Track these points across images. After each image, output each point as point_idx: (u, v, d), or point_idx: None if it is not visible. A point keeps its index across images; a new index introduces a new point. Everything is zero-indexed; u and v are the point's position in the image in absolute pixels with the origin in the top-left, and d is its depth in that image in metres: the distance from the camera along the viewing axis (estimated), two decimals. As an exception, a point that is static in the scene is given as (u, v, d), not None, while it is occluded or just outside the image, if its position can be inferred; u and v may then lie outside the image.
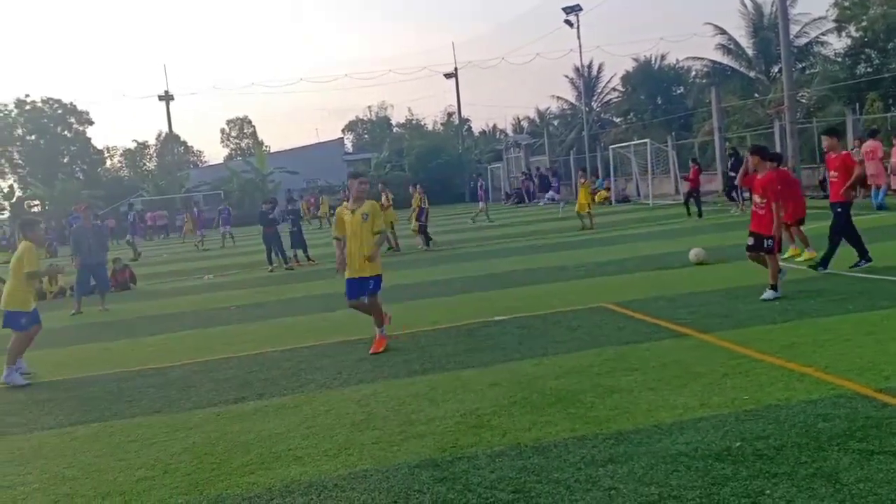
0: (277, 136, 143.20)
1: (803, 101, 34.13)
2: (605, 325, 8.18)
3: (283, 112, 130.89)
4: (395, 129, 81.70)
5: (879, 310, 7.60)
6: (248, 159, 61.90)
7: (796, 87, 30.77)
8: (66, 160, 66.30)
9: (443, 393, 6.11)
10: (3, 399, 7.60)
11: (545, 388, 5.97)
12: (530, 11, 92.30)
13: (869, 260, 9.95)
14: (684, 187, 25.30)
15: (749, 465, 4.11)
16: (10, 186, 61.63)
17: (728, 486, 3.88)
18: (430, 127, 77.04)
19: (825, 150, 10.91)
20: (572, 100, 55.70)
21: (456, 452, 4.75)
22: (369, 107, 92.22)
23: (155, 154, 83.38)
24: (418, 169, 54.46)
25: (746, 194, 22.74)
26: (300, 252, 19.43)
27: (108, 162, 76.01)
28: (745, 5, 39.86)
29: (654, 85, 48.27)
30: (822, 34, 37.54)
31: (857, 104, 29.61)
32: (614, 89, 54.20)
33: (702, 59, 43.31)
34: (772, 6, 37.52)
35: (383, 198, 21.00)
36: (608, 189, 36.06)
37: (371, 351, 7.87)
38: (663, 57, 50.44)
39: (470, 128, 73.49)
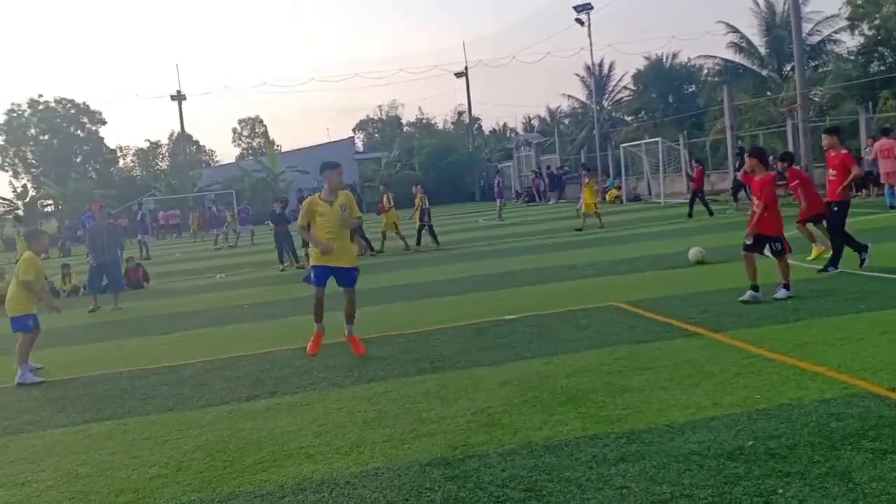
0: (289, 136, 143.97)
1: (816, 99, 33.91)
2: (616, 324, 8.16)
3: (294, 111, 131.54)
4: (405, 129, 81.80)
5: (892, 309, 7.54)
6: (259, 159, 62.18)
7: (809, 86, 30.57)
8: (79, 160, 66.85)
9: (453, 391, 6.12)
10: (17, 397, 7.67)
11: (556, 386, 5.96)
12: (541, 10, 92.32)
13: (836, 268, 9.88)
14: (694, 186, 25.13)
15: (761, 464, 4.10)
16: (24, 186, 62.18)
17: (740, 485, 3.86)
18: (440, 126, 77.13)
19: (825, 148, 10.86)
20: (583, 98, 55.61)
21: (467, 451, 4.75)
22: (380, 106, 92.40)
23: (167, 153, 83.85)
24: (428, 168, 54.52)
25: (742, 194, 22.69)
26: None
27: (121, 161, 76.64)
28: (757, 3, 39.69)
29: (665, 83, 48.10)
30: (835, 32, 37.34)
31: (871, 102, 29.37)
32: (625, 88, 54.13)
33: (714, 57, 43.20)
34: (784, 4, 37.32)
35: (384, 199, 21.00)
36: (619, 188, 35.96)
37: (358, 354, 7.72)
38: (675, 55, 50.32)
39: (480, 127, 73.56)
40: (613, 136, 46.62)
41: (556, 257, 15.36)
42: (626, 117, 53.92)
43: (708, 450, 4.37)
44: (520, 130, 72.43)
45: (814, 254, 11.22)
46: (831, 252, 10.19)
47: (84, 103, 66.70)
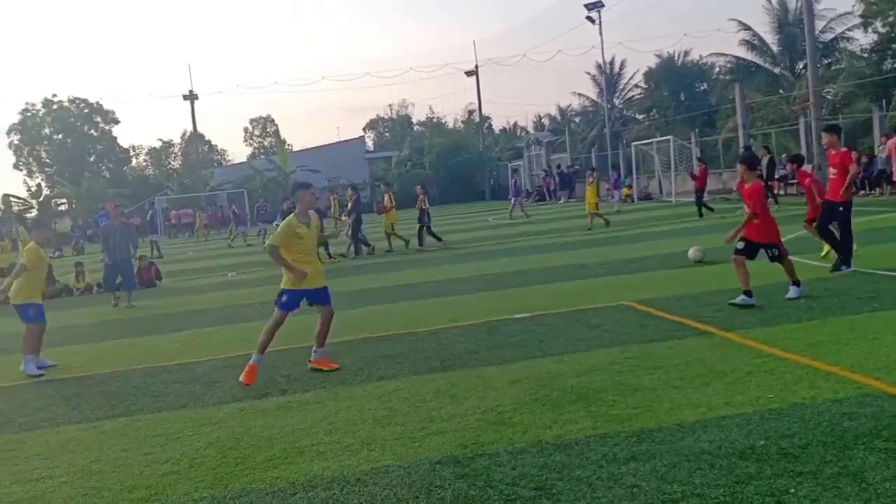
0: (299, 135, 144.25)
1: (829, 97, 33.68)
2: (627, 323, 8.14)
3: (305, 111, 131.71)
4: (415, 128, 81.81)
5: (907, 308, 7.49)
6: (270, 158, 62.31)
7: (822, 84, 30.34)
8: (92, 159, 67.28)
9: (464, 390, 6.13)
10: (31, 394, 7.74)
11: (566, 385, 5.96)
12: (552, 8, 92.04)
13: (849, 267, 9.86)
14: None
15: (773, 464, 4.08)
16: (38, 185, 62.62)
17: (752, 485, 3.85)
18: (450, 125, 77.06)
19: (825, 146, 10.80)
20: (594, 97, 55.42)
21: (477, 449, 4.76)
22: (390, 105, 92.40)
23: (179, 153, 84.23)
24: (439, 167, 54.52)
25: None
26: (321, 250, 19.54)
27: (134, 161, 77.02)
28: (769, 1, 39.44)
29: (677, 81, 47.88)
30: (848, 29, 37.05)
31: (884, 100, 29.15)
32: (637, 86, 53.89)
33: (726, 55, 42.95)
34: (797, 1, 37.08)
35: (385, 199, 20.99)
36: (630, 187, 35.84)
37: (332, 369, 7.28)
38: (686, 53, 50.04)
39: (490, 125, 73.49)
40: (624, 135, 46.45)
41: (567, 256, 15.33)
42: (637, 116, 53.71)
43: (719, 449, 4.36)
44: (530, 129, 72.28)
45: (825, 250, 11.18)
46: (837, 251, 10.14)
47: (97, 103, 67.17)
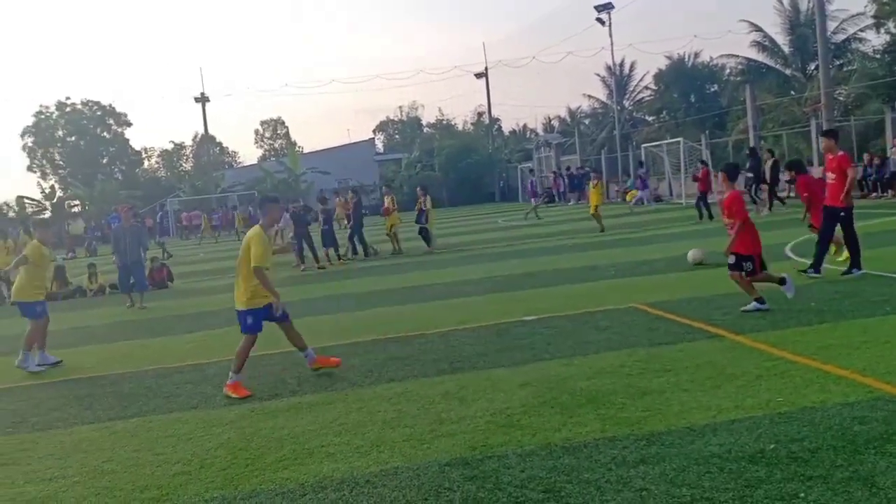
0: (310, 137, 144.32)
1: (841, 98, 33.49)
2: (636, 325, 8.13)
3: (315, 113, 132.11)
4: (425, 130, 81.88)
5: (919, 312, 7.44)
6: (281, 160, 62.54)
7: (833, 85, 30.19)
8: (105, 161, 67.70)
9: (472, 392, 6.14)
10: (45, 394, 7.81)
11: (575, 388, 5.96)
12: (561, 10, 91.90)
13: (818, 272, 9.86)
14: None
15: (783, 468, 4.07)
16: (52, 187, 63.06)
17: (762, 489, 3.84)
18: (460, 127, 77.09)
19: (823, 151, 10.73)
20: (604, 98, 55.35)
21: (486, 451, 4.77)
22: (400, 107, 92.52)
23: (191, 155, 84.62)
24: (448, 169, 54.53)
25: (764, 195, 22.43)
26: (331, 251, 19.60)
27: (146, 163, 77.42)
28: (781, 2, 39.27)
29: (687, 83, 47.73)
30: (861, 30, 36.83)
31: (897, 101, 28.96)
32: (647, 87, 53.77)
33: (736, 56, 42.75)
34: (808, 2, 36.88)
35: (387, 200, 20.99)
36: (639, 189, 35.70)
37: (336, 365, 7.28)
38: (697, 54, 49.90)
39: (500, 127, 73.47)
40: (634, 137, 46.33)
41: (577, 258, 15.31)
42: (647, 117, 53.56)
43: (729, 453, 4.35)
44: (540, 131, 72.19)
45: (843, 255, 11.11)
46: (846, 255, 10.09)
47: (110, 105, 67.61)
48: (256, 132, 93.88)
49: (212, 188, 55.71)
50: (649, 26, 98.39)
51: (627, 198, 35.76)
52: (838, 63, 36.86)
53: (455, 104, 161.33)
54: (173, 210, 51.02)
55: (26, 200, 56.84)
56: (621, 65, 53.07)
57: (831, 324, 7.32)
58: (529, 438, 4.93)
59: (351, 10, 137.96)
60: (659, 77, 50.07)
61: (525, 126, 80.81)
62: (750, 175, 23.33)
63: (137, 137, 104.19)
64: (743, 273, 8.27)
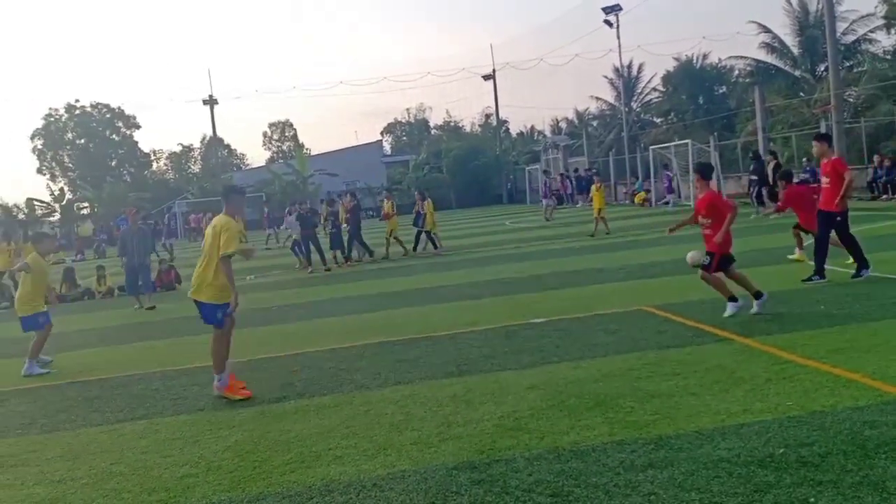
0: (318, 139, 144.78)
1: (850, 100, 33.28)
2: (645, 328, 8.10)
3: (323, 115, 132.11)
4: (433, 131, 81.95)
5: (931, 315, 7.39)
6: (289, 162, 62.69)
7: (843, 86, 30.03)
8: (114, 163, 68.08)
9: (480, 395, 6.12)
10: (53, 397, 7.84)
11: (583, 391, 5.94)
12: (569, 12, 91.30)
13: (868, 270, 9.75)
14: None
15: (793, 473, 4.04)
16: (61, 189, 63.40)
17: (771, 494, 3.81)
18: (467, 129, 77.11)
19: (815, 155, 10.62)
20: (611, 100, 55.21)
21: (493, 455, 4.76)
22: (408, 109, 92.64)
23: (199, 157, 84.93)
24: (456, 171, 54.54)
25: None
26: (339, 253, 19.62)
27: (155, 165, 77.72)
28: (790, 3, 39.07)
29: (695, 84, 47.57)
30: (871, 31, 36.63)
31: (908, 103, 28.79)
32: (655, 89, 53.59)
33: (745, 57, 42.55)
34: (818, 3, 36.71)
35: (387, 205, 20.94)
36: (648, 191, 35.64)
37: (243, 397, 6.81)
38: (705, 56, 49.67)
39: (508, 129, 73.35)
40: (642, 138, 46.20)
41: (585, 260, 15.28)
42: (655, 119, 53.40)
43: (738, 457, 4.32)
44: (547, 133, 72.11)
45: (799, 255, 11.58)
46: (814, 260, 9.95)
47: (119, 108, 67.99)
48: (264, 134, 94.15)
49: (220, 190, 55.84)
50: (657, 28, 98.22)
51: (636, 199, 35.70)
52: (848, 64, 36.66)
53: (462, 106, 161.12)
54: (181, 212, 51.14)
55: (36, 202, 57.20)
56: (629, 66, 52.95)
57: (841, 327, 7.27)
58: (537, 442, 4.91)
59: (358, 12, 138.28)
60: (667, 79, 49.92)
61: (533, 128, 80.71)
62: (754, 178, 23.25)
63: (146, 140, 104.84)
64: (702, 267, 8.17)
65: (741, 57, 43.05)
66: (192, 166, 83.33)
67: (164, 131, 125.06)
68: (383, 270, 17.60)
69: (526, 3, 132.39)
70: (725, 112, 43.27)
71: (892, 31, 34.19)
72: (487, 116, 73.83)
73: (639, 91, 54.68)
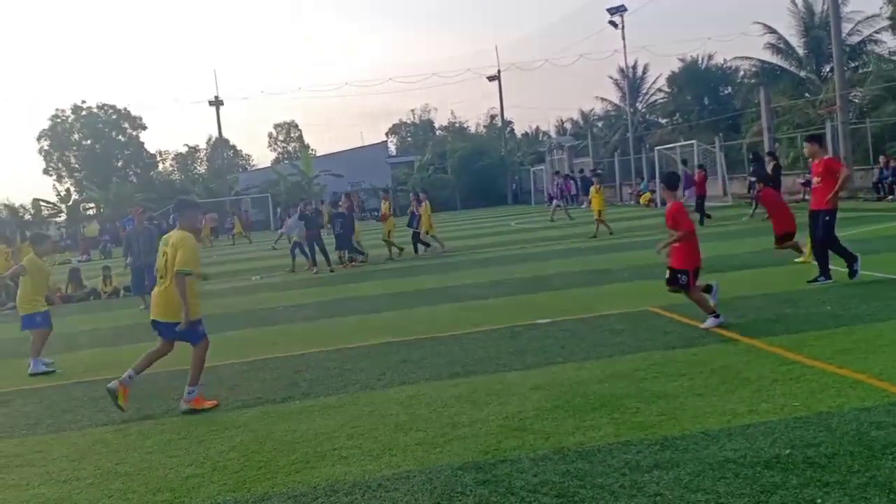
0: (323, 140, 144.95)
1: (856, 100, 33.18)
2: (650, 329, 8.08)
3: (328, 116, 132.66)
4: (437, 132, 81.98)
5: (938, 316, 7.35)
6: (294, 163, 62.79)
7: (849, 87, 29.93)
8: (120, 164, 68.27)
9: (485, 395, 6.12)
10: (59, 397, 7.85)
11: (589, 392, 5.93)
12: (574, 13, 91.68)
13: (828, 278, 9.66)
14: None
15: (799, 474, 4.02)
16: (67, 190, 63.63)
17: (777, 495, 3.80)
18: (472, 129, 77.13)
19: (807, 156, 10.55)
20: (617, 101, 55.18)
21: (499, 455, 4.75)
22: (412, 110, 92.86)
23: (205, 158, 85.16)
24: (461, 172, 54.55)
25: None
26: (345, 254, 19.62)
27: (161, 166, 77.98)
28: (795, 4, 38.97)
29: (700, 85, 47.49)
30: (876, 32, 36.49)
31: (914, 103, 28.68)
32: (660, 90, 53.52)
33: (750, 58, 42.45)
34: (823, 4, 36.60)
35: (383, 206, 20.88)
36: (653, 191, 35.58)
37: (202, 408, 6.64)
38: (710, 57, 49.66)
39: (513, 130, 73.42)
40: (648, 139, 46.13)
41: (590, 261, 15.25)
42: (660, 120, 53.32)
43: (744, 458, 4.31)
44: (552, 133, 72.09)
45: (806, 257, 11.40)
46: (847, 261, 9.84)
47: (125, 109, 68.21)
48: (270, 135, 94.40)
49: (226, 191, 55.99)
50: (662, 29, 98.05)
51: (642, 200, 35.63)
52: (853, 65, 36.52)
53: (467, 107, 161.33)
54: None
55: (42, 203, 57.40)
56: (634, 67, 52.93)
57: (847, 327, 7.25)
58: (542, 442, 4.90)
59: (363, 13, 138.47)
60: (672, 79, 49.86)
61: (538, 128, 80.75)
62: (752, 179, 23.22)
63: (152, 141, 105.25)
64: (676, 284, 7.95)
65: (746, 57, 42.97)
66: (198, 167, 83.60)
67: (170, 132, 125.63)
68: (387, 271, 17.60)
69: (531, 5, 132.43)
70: (731, 113, 43.19)
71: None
72: (492, 117, 73.90)
73: (644, 92, 54.63)
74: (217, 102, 56.68)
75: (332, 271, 18.53)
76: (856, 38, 36.88)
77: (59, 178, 67.88)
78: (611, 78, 56.07)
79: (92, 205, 60.18)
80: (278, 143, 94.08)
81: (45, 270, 9.78)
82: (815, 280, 9.77)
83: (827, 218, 9.67)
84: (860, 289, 9.16)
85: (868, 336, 6.82)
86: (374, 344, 8.76)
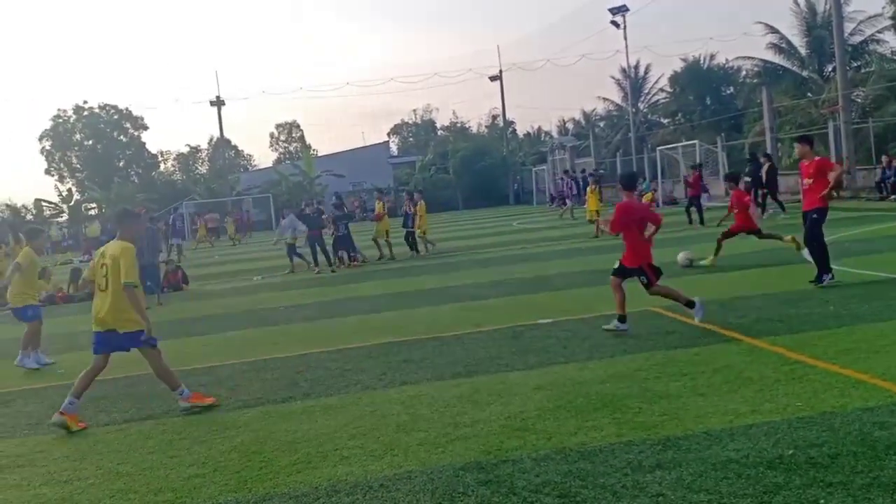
0: (325, 140, 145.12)
1: (858, 100, 33.15)
2: (652, 328, 8.07)
3: (330, 116, 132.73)
4: (439, 132, 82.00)
5: (941, 315, 7.33)
6: (296, 163, 62.82)
7: (851, 87, 29.90)
8: (121, 164, 68.34)
9: (487, 395, 6.11)
10: (60, 397, 7.80)
11: (591, 392, 5.91)
12: (576, 13, 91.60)
13: (832, 277, 9.54)
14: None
15: (802, 474, 4.01)
16: (69, 190, 63.74)
17: (780, 495, 3.79)
18: (474, 129, 77.13)
19: (798, 157, 10.49)
20: (618, 101, 55.14)
21: (500, 455, 4.74)
22: (414, 110, 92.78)
23: (207, 158, 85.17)
24: (462, 172, 54.55)
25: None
26: (343, 255, 19.61)
27: (162, 166, 77.99)
28: (797, 3, 38.94)
29: (702, 85, 47.49)
30: (878, 32, 36.46)
31: (916, 103, 28.63)
32: (662, 90, 53.53)
33: (752, 58, 42.43)
34: (825, 4, 36.56)
35: (378, 206, 20.84)
36: (655, 191, 35.55)
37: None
38: (712, 56, 49.67)
39: (514, 130, 73.41)
40: (650, 139, 46.11)
41: (591, 261, 15.23)
42: (662, 120, 53.30)
43: (747, 458, 4.29)
44: (554, 134, 72.05)
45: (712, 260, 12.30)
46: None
47: (127, 109, 68.24)
48: (271, 135, 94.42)
49: (227, 191, 56.04)
50: (664, 28, 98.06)
51: (644, 200, 35.54)
52: (856, 65, 36.48)
53: (469, 107, 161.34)
54: (188, 213, 51.27)
55: (44, 203, 57.49)
56: (636, 67, 52.89)
57: (849, 327, 7.23)
58: (544, 442, 4.89)
59: (363, 13, 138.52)
60: (674, 79, 49.85)
61: (539, 128, 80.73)
62: (748, 180, 23.21)
63: (154, 141, 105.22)
64: (644, 286, 8.15)
65: (748, 57, 42.95)
66: (200, 167, 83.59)
67: (172, 132, 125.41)
68: (387, 271, 17.60)
69: (532, 4, 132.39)
70: (733, 113, 43.15)
71: (900, 31, 34.03)
72: (494, 117, 73.95)
73: (646, 92, 54.62)
74: (218, 102, 56.71)
75: (333, 271, 18.53)
76: (858, 38, 36.84)
77: (61, 179, 68.00)
78: (612, 78, 56.11)
79: (94, 205, 60.26)
80: (280, 143, 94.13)
81: (37, 264, 10.00)
82: (821, 280, 9.62)
83: (815, 216, 9.56)
84: (862, 289, 9.15)
85: (870, 336, 6.81)
86: (375, 344, 8.75)
